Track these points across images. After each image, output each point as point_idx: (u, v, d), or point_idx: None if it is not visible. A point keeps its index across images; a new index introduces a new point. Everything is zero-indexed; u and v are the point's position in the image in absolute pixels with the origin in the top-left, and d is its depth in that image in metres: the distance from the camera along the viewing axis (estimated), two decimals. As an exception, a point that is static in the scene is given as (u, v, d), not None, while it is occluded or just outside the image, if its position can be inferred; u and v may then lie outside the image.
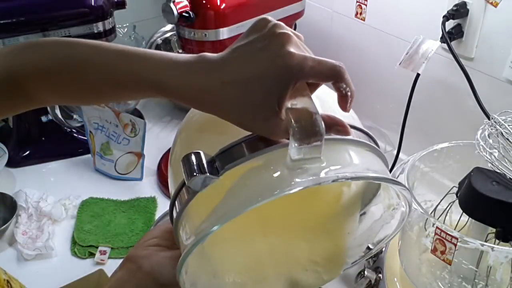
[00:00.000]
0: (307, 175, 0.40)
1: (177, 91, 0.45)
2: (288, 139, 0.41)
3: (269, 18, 0.45)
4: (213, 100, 0.44)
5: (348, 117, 0.49)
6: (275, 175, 0.41)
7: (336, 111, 0.47)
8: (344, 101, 0.46)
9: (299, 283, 0.59)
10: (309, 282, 0.59)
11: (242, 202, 0.41)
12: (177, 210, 0.48)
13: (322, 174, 0.41)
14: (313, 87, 0.47)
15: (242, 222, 0.50)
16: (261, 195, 0.40)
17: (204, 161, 0.43)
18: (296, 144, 0.40)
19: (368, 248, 0.60)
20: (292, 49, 0.43)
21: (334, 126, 0.46)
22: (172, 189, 0.51)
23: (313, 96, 0.46)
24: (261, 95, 0.42)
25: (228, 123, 0.44)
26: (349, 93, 0.46)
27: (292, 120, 0.41)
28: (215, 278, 0.57)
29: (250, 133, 0.45)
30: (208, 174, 0.42)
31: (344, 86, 0.46)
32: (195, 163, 0.43)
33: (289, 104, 0.42)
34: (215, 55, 0.45)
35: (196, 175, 0.42)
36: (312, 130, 0.40)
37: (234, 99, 0.43)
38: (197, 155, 0.43)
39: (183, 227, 0.48)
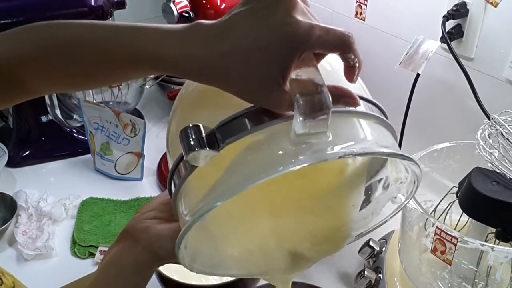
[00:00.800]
0: (312, 151, 0.38)
1: (173, 63, 0.43)
2: (293, 111, 0.39)
3: None
4: (212, 71, 0.41)
5: (357, 87, 0.46)
6: (279, 150, 0.39)
7: (344, 80, 0.45)
8: (351, 72, 0.44)
9: (302, 255, 0.58)
10: (312, 255, 0.58)
11: (244, 178, 0.39)
12: (176, 184, 0.46)
13: (328, 150, 0.39)
14: (320, 56, 0.44)
15: (243, 196, 0.47)
16: (263, 171, 0.38)
17: (204, 135, 0.41)
18: (300, 118, 0.38)
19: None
20: (298, 16, 0.39)
21: (342, 97, 0.42)
22: (170, 163, 0.49)
23: (320, 63, 0.43)
24: (264, 66, 0.40)
25: (228, 95, 0.42)
26: (357, 64, 0.43)
27: (297, 93, 0.38)
28: (216, 252, 0.56)
29: (252, 105, 0.42)
30: (207, 148, 0.40)
31: (352, 57, 0.42)
32: (193, 137, 0.41)
33: (293, 75, 0.40)
34: (212, 22, 0.42)
35: (195, 149, 0.40)
36: (318, 103, 0.38)
37: (235, 70, 0.40)
38: (196, 128, 0.41)
39: (181, 202, 0.46)
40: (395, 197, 0.56)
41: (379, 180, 0.57)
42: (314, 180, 0.56)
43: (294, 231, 0.59)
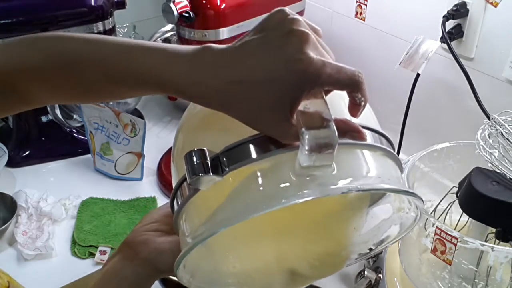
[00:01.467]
0: (315, 185, 0.39)
1: (180, 88, 0.43)
2: (299, 142, 0.39)
3: (287, 10, 0.42)
4: (219, 98, 0.41)
5: (363, 116, 0.46)
6: (282, 182, 0.40)
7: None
8: (355, 109, 0.44)
9: (301, 274, 0.59)
10: (311, 274, 0.59)
11: (246, 208, 0.40)
12: (178, 204, 0.47)
13: (332, 185, 0.39)
14: (329, 90, 0.44)
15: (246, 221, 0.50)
16: (266, 203, 0.39)
17: (208, 160, 0.41)
18: (306, 151, 0.38)
19: (370, 249, 0.60)
20: (310, 52, 0.39)
21: (349, 131, 0.43)
22: (174, 182, 0.49)
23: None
24: (273, 99, 0.40)
25: (234, 120, 0.42)
26: (362, 103, 0.44)
27: (303, 126, 0.38)
28: (216, 270, 0.57)
29: (257, 132, 0.42)
30: (211, 174, 0.40)
31: (360, 96, 0.43)
32: (198, 162, 0.41)
33: (301, 107, 0.40)
34: (222, 47, 0.42)
35: (199, 174, 0.40)
36: (324, 138, 0.38)
37: (243, 99, 0.41)
38: (201, 152, 0.41)
39: (183, 221, 0.47)
40: (396, 225, 0.56)
41: (382, 206, 0.57)
42: (316, 204, 0.56)
43: (295, 252, 0.59)
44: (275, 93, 0.40)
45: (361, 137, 0.43)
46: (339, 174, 0.40)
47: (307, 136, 0.38)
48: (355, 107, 0.44)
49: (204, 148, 0.42)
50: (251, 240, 0.58)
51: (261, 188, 0.40)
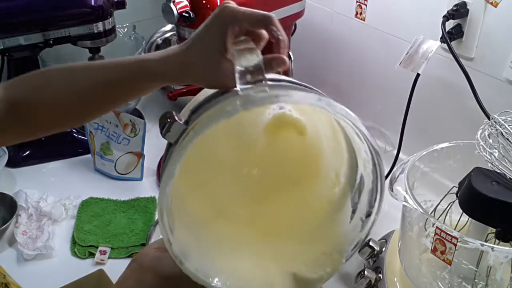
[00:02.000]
0: (249, 100, 0.47)
1: (162, 73, 0.58)
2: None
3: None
4: (182, 69, 0.56)
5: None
6: (227, 104, 0.49)
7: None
8: (279, 46, 0.55)
9: (304, 277, 0.59)
10: (313, 276, 0.59)
11: (203, 125, 0.48)
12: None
13: (264, 97, 0.48)
14: (257, 37, 0.56)
15: (236, 227, 0.58)
16: (213, 118, 0.48)
17: (176, 117, 0.52)
18: (239, 69, 0.49)
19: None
20: (230, 2, 0.54)
21: (274, 59, 0.54)
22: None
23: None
24: (208, 41, 0.54)
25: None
26: (281, 37, 0.54)
27: (235, 51, 0.51)
28: (208, 271, 0.57)
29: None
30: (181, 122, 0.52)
31: (275, 29, 0.54)
32: (170, 119, 0.52)
33: (234, 48, 0.52)
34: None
35: (170, 122, 0.52)
36: (251, 53, 0.50)
37: (196, 59, 0.55)
38: (169, 113, 0.52)
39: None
40: (371, 187, 0.58)
41: (359, 184, 0.59)
42: (303, 213, 0.61)
43: (290, 255, 0.61)
44: (208, 37, 0.54)
45: (283, 61, 0.54)
46: (272, 92, 0.48)
47: (236, 55, 0.50)
48: (278, 43, 0.55)
49: (171, 111, 0.53)
50: (246, 249, 0.60)
51: (212, 113, 0.51)
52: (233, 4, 0.53)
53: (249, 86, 0.49)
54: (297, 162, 0.62)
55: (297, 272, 0.59)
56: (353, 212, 0.60)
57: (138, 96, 0.67)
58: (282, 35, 0.54)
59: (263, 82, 0.50)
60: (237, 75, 0.50)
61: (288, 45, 0.59)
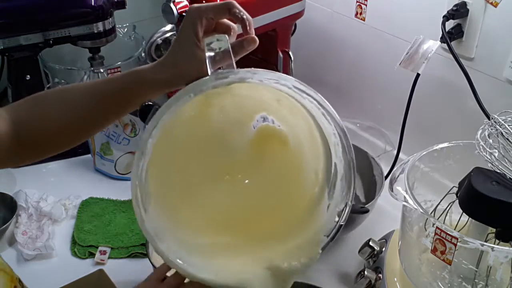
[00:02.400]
0: (218, 75, 0.53)
1: (153, 78, 0.64)
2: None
3: None
4: (169, 70, 0.63)
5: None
6: (196, 83, 0.53)
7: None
8: (245, 25, 0.61)
9: (280, 269, 0.60)
10: (289, 268, 0.60)
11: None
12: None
13: (231, 74, 0.52)
14: (224, 27, 0.63)
15: (216, 224, 0.61)
16: (181, 93, 0.52)
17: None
18: (209, 54, 0.56)
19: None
20: (194, 4, 0.62)
21: (244, 40, 0.61)
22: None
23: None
24: (183, 38, 0.61)
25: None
26: (245, 17, 0.60)
27: (205, 43, 0.59)
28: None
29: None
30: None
31: (238, 11, 0.60)
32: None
33: (206, 42, 0.60)
34: None
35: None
36: (218, 39, 0.58)
37: (174, 53, 0.63)
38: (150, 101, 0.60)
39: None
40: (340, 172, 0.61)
41: (334, 175, 0.61)
42: (286, 214, 0.64)
43: (266, 247, 0.62)
44: (184, 35, 0.62)
45: (253, 39, 0.61)
46: (239, 71, 0.53)
47: (206, 46, 0.59)
48: (243, 24, 0.61)
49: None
50: (222, 244, 0.62)
51: (181, 92, 0.54)
52: (198, 4, 0.61)
53: (219, 68, 0.55)
54: (280, 170, 0.64)
55: (273, 265, 0.60)
56: (330, 199, 0.62)
57: (135, 106, 0.69)
58: (246, 14, 0.61)
59: (232, 64, 0.56)
60: (207, 60, 0.56)
61: (252, 24, 0.62)
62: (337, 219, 0.61)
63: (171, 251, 0.56)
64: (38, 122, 0.66)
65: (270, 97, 0.61)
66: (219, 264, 0.59)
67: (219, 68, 0.56)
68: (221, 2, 0.61)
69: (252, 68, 0.54)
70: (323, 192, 0.63)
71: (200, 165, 0.63)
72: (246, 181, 0.65)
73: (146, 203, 0.55)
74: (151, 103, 0.56)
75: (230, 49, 0.57)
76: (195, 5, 0.61)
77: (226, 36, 0.59)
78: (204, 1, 1.00)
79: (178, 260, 0.56)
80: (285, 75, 0.54)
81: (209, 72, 0.55)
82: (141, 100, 0.67)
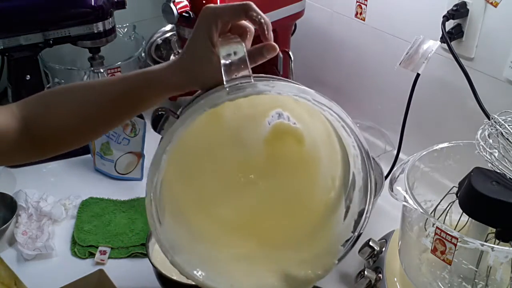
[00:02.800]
0: (237, 89, 0.50)
1: (164, 80, 0.62)
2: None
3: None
4: (187, 74, 0.60)
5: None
6: (213, 95, 0.52)
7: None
8: (263, 30, 0.58)
9: (296, 279, 0.60)
10: (306, 277, 0.60)
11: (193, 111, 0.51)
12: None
13: (250, 87, 0.50)
14: (244, 32, 0.60)
15: (230, 231, 0.60)
16: (198, 107, 0.51)
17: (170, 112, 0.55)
18: (225, 63, 0.52)
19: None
20: (209, 5, 0.58)
21: (263, 47, 0.59)
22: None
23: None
24: (197, 42, 0.58)
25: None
26: (263, 20, 0.57)
27: (220, 46, 0.55)
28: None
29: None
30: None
31: (255, 14, 0.57)
32: (164, 115, 0.55)
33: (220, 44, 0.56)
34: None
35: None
36: (234, 46, 0.54)
37: (188, 57, 0.60)
38: (163, 108, 0.55)
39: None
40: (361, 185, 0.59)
41: (351, 184, 0.59)
42: (301, 219, 0.62)
43: (281, 256, 0.61)
44: (198, 38, 0.58)
45: (273, 47, 0.58)
46: (256, 83, 0.51)
47: (220, 50, 0.54)
48: (261, 28, 0.58)
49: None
50: (238, 249, 0.61)
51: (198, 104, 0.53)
52: (214, 5, 0.58)
53: (235, 78, 0.52)
54: (295, 171, 0.63)
55: (288, 274, 0.60)
56: (346, 212, 0.60)
57: (144, 108, 0.66)
58: (264, 17, 0.57)
59: (248, 74, 0.52)
60: (222, 69, 0.52)
61: (271, 27, 0.59)
62: (353, 231, 0.59)
63: (187, 263, 0.56)
64: (48, 120, 0.65)
65: (286, 97, 0.57)
66: (235, 275, 0.59)
67: (235, 75, 0.53)
68: (238, 3, 0.57)
69: (270, 80, 0.52)
70: (339, 200, 0.61)
71: (214, 171, 0.62)
72: (261, 182, 0.63)
73: (161, 216, 0.55)
74: (163, 112, 0.54)
75: (247, 57, 0.53)
76: (211, 5, 0.57)
77: (243, 44, 0.55)
78: (204, 2, 1.00)
79: (194, 272, 0.56)
80: (304, 87, 0.52)
81: (225, 81, 0.52)
82: (152, 101, 0.64)
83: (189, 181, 0.61)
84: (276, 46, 0.58)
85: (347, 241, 0.60)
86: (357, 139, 0.55)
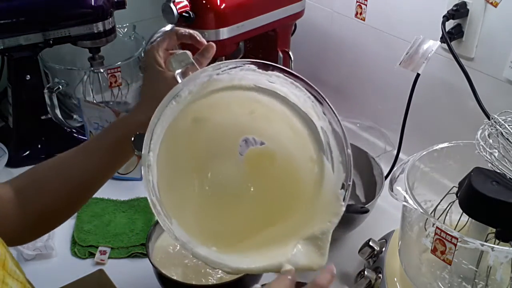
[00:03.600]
0: (189, 79, 0.58)
1: (137, 119, 0.68)
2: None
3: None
4: (150, 104, 0.60)
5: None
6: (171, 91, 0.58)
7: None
8: (195, 39, 0.70)
9: (314, 235, 0.61)
10: (321, 230, 0.61)
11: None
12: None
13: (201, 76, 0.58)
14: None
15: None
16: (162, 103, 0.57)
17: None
18: (177, 71, 0.63)
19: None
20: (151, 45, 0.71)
21: (204, 50, 0.69)
22: None
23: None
24: (151, 71, 0.68)
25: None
26: (191, 32, 0.69)
27: (168, 62, 0.66)
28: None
29: None
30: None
31: (183, 31, 0.69)
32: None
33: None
34: None
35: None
36: (181, 56, 0.64)
37: (145, 86, 0.71)
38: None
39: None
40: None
41: (324, 137, 0.64)
42: (296, 202, 0.65)
43: (293, 231, 0.63)
44: (150, 69, 0.69)
45: (211, 46, 0.69)
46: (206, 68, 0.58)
47: (172, 67, 0.65)
48: (193, 39, 0.70)
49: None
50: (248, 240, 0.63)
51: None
52: (153, 44, 0.70)
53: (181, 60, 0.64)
54: (276, 177, 0.66)
55: (306, 236, 0.61)
56: (332, 162, 0.64)
57: (131, 154, 0.73)
58: (190, 31, 0.70)
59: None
60: (177, 76, 0.63)
61: (199, 34, 0.71)
62: (344, 169, 0.63)
63: (208, 253, 0.57)
64: (40, 198, 0.68)
65: (243, 112, 0.64)
66: (255, 256, 0.60)
67: None
68: (167, 32, 0.72)
69: (216, 63, 0.59)
70: (322, 162, 0.65)
71: (204, 182, 0.65)
72: (252, 189, 0.66)
73: (168, 215, 0.56)
74: (143, 133, 0.57)
75: (193, 60, 0.64)
76: (150, 46, 0.75)
77: (188, 52, 0.65)
78: (204, 2, 1.00)
79: (219, 261, 0.56)
80: (243, 59, 0.59)
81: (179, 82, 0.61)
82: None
83: (181, 185, 0.64)
84: (213, 44, 0.69)
85: (343, 185, 0.63)
86: (305, 85, 0.61)
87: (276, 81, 0.62)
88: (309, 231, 0.61)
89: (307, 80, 0.61)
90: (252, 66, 0.60)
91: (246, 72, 0.61)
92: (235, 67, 0.59)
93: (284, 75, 0.61)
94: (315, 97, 0.62)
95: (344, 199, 0.62)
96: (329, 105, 0.62)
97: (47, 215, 0.70)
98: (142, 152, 0.55)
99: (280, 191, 0.66)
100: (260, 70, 0.61)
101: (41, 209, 0.69)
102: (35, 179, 0.69)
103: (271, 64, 0.61)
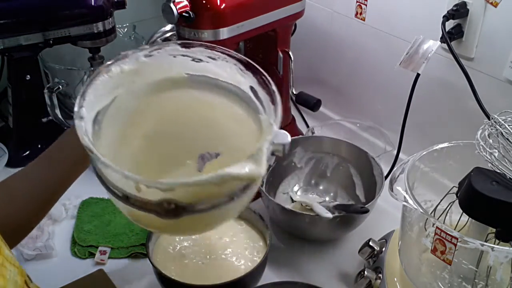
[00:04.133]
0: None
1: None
2: None
3: None
4: None
5: None
6: None
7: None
8: None
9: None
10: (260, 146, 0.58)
11: None
12: None
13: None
14: None
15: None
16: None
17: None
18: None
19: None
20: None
21: None
22: None
23: None
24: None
25: None
26: None
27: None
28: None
29: None
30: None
31: None
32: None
33: None
34: None
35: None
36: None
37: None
38: None
39: None
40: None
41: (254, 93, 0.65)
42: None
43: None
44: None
45: None
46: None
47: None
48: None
49: None
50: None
51: None
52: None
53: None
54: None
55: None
56: (262, 106, 0.63)
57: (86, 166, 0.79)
58: None
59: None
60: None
61: None
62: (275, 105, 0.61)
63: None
64: (8, 209, 0.72)
65: (191, 119, 0.68)
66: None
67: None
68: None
69: (143, 46, 0.63)
70: (260, 121, 0.63)
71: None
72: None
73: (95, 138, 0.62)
74: None
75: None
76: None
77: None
78: (204, 2, 1.00)
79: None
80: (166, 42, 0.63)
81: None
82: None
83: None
84: None
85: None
86: (219, 49, 0.64)
87: (202, 58, 0.65)
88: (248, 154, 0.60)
89: (223, 48, 0.64)
90: (177, 47, 0.64)
91: (172, 53, 0.64)
92: (159, 49, 0.64)
93: (205, 49, 0.64)
94: (237, 59, 0.64)
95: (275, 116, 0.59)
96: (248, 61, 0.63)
97: (17, 227, 0.75)
98: (74, 109, 0.58)
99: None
100: (184, 49, 0.64)
101: (12, 220, 0.73)
102: (3, 193, 0.74)
103: (192, 42, 0.65)
